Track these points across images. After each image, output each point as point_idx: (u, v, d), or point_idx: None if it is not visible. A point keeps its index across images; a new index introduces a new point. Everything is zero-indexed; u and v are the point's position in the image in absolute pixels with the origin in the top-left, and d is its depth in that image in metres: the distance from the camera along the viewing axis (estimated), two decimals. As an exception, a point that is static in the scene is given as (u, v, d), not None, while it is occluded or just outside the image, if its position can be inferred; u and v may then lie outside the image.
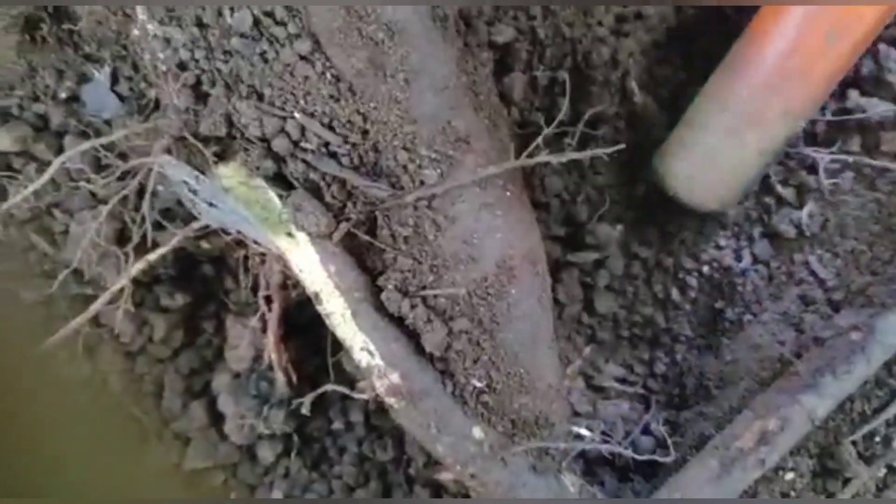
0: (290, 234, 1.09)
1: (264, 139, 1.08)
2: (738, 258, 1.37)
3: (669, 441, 1.21)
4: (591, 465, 1.26)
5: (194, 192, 1.13)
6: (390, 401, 1.09)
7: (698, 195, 1.26)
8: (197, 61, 1.08)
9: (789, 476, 1.21)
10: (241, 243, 1.24)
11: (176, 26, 1.07)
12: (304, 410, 1.21)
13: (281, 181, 1.10)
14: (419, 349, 1.10)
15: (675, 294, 1.39)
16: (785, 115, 1.19)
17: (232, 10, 1.03)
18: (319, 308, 1.11)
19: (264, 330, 1.30)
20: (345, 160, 1.08)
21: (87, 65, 1.30)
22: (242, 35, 1.04)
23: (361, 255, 1.15)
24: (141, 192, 1.21)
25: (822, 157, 1.31)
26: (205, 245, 1.30)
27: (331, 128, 1.06)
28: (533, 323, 1.13)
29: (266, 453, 1.36)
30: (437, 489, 1.33)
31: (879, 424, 1.20)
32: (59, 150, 1.29)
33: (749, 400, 1.23)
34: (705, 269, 1.38)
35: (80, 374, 1.30)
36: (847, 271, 1.31)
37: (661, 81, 1.37)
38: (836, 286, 1.30)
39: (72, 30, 1.27)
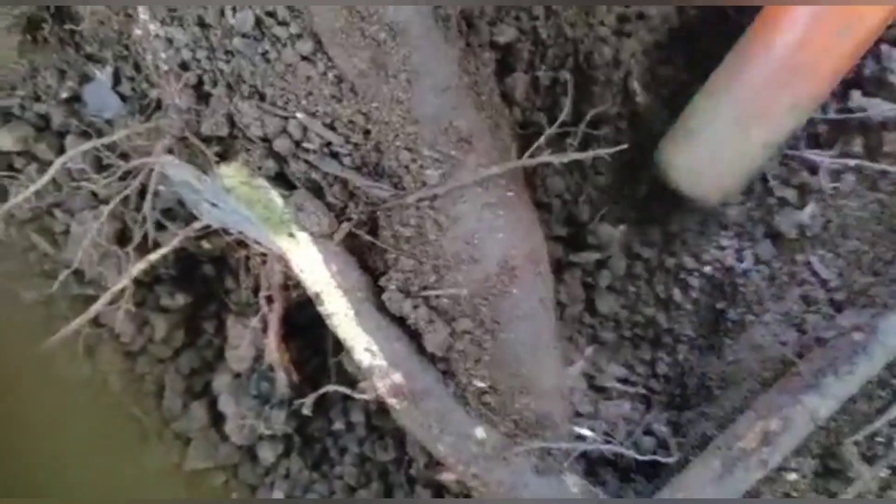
0: (291, 235, 1.09)
1: (266, 139, 1.08)
2: (740, 258, 1.37)
3: (671, 441, 1.21)
4: (592, 466, 1.26)
5: (196, 192, 1.13)
6: (392, 401, 1.09)
7: (701, 188, 1.25)
8: (199, 61, 1.08)
9: (792, 476, 1.21)
10: (242, 243, 1.24)
11: (178, 26, 1.07)
12: (306, 411, 1.21)
13: (283, 181, 1.10)
14: (421, 349, 1.11)
15: (676, 294, 1.39)
16: (792, 108, 1.17)
17: (234, 10, 1.03)
18: (321, 308, 1.11)
19: (265, 330, 1.30)
20: (347, 160, 1.08)
21: (89, 65, 1.30)
22: (244, 35, 1.04)
23: (363, 255, 1.15)
24: (142, 192, 1.21)
25: (824, 160, 1.31)
26: (206, 245, 1.30)
27: (333, 128, 1.06)
28: (535, 323, 1.13)
29: (267, 454, 1.36)
30: (439, 490, 1.33)
31: (882, 425, 1.20)
32: (61, 150, 1.29)
33: (751, 400, 1.23)
34: (707, 269, 1.38)
35: (81, 374, 1.30)
36: (849, 272, 1.31)
37: (664, 82, 1.37)
38: (839, 286, 1.30)
39: (73, 30, 1.27)
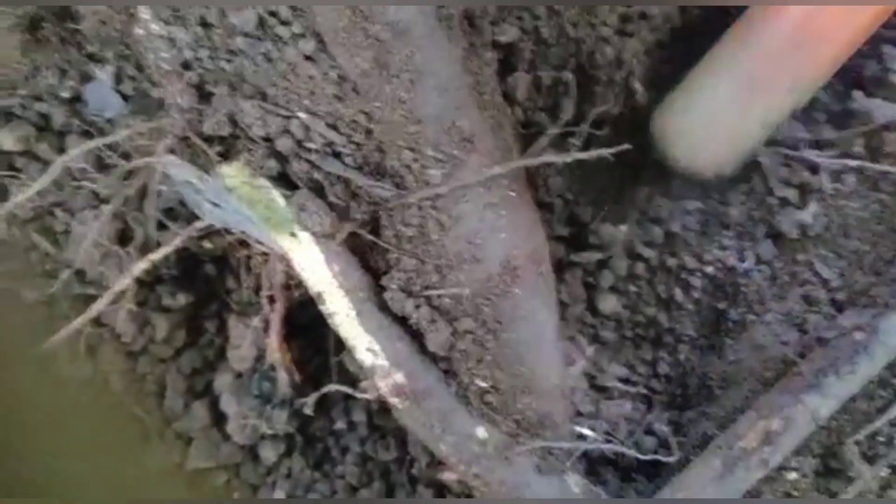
0: (293, 234, 1.09)
1: (268, 139, 1.08)
2: (742, 258, 1.37)
3: (672, 441, 1.21)
4: (594, 465, 1.26)
5: (197, 192, 1.13)
6: (394, 400, 1.09)
7: (695, 161, 1.24)
8: (201, 61, 1.08)
9: (792, 476, 1.21)
10: (243, 243, 1.24)
11: (180, 26, 1.07)
12: (307, 410, 1.21)
13: (284, 181, 1.10)
14: (423, 349, 1.11)
15: (678, 294, 1.39)
16: (791, 90, 1.16)
17: (236, 9, 1.03)
18: (322, 308, 1.11)
19: (267, 330, 1.30)
20: (349, 160, 1.08)
21: (90, 64, 1.30)
22: (246, 35, 1.04)
23: (365, 254, 1.15)
24: (144, 191, 1.21)
25: (825, 160, 1.31)
26: (207, 245, 1.30)
27: (335, 128, 1.06)
28: (537, 323, 1.13)
29: (268, 453, 1.36)
30: (441, 489, 1.33)
31: (883, 424, 1.21)
32: (62, 150, 1.28)
33: (752, 400, 1.23)
34: (709, 269, 1.38)
35: (82, 374, 1.30)
36: (850, 272, 1.31)
37: (666, 81, 1.37)
38: (840, 286, 1.31)
39: (75, 29, 1.27)
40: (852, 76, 1.34)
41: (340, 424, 1.40)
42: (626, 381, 1.37)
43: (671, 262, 1.40)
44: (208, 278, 1.39)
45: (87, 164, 1.24)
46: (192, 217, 1.19)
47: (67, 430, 1.28)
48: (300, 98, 1.05)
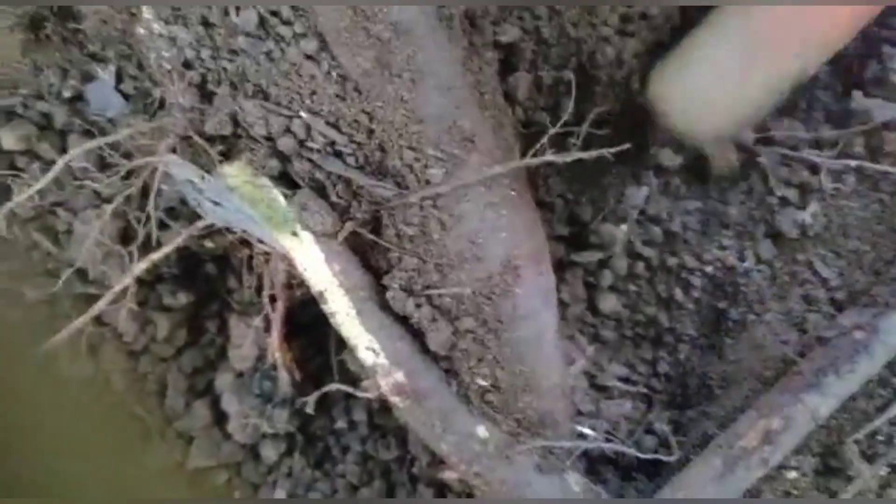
0: (294, 234, 1.09)
1: (270, 138, 1.08)
2: (742, 258, 1.37)
3: (672, 440, 1.21)
4: (594, 464, 1.26)
5: (199, 191, 1.13)
6: (395, 399, 1.10)
7: (692, 124, 1.18)
8: (202, 60, 1.08)
9: (792, 475, 1.22)
10: (245, 242, 1.24)
11: (181, 25, 1.07)
12: (308, 409, 1.22)
13: (286, 180, 1.10)
14: (424, 348, 1.11)
15: (678, 294, 1.39)
16: (797, 56, 1.11)
17: (238, 9, 1.03)
18: (324, 307, 1.11)
19: (268, 329, 1.30)
20: (350, 159, 1.08)
21: (92, 64, 1.30)
22: (248, 34, 1.04)
23: (366, 254, 1.15)
24: (145, 191, 1.21)
25: (825, 160, 1.31)
26: (209, 244, 1.30)
27: (336, 127, 1.06)
28: (537, 322, 1.13)
29: (269, 452, 1.36)
30: (441, 488, 1.33)
31: (882, 423, 1.21)
32: (63, 149, 1.29)
33: (752, 400, 1.24)
34: (709, 268, 1.38)
35: (84, 373, 1.30)
36: (850, 271, 1.31)
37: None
38: (840, 286, 1.31)
39: (76, 29, 1.27)
40: (852, 76, 1.34)
41: (341, 423, 1.41)
42: (626, 380, 1.38)
43: (671, 261, 1.41)
44: (209, 277, 1.39)
45: (89, 164, 1.24)
46: (194, 216, 1.20)
47: (68, 429, 1.28)
48: (302, 97, 1.05)
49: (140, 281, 1.23)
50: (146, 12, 1.08)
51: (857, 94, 1.33)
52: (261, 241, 1.18)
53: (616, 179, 1.40)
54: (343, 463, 1.39)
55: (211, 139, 1.10)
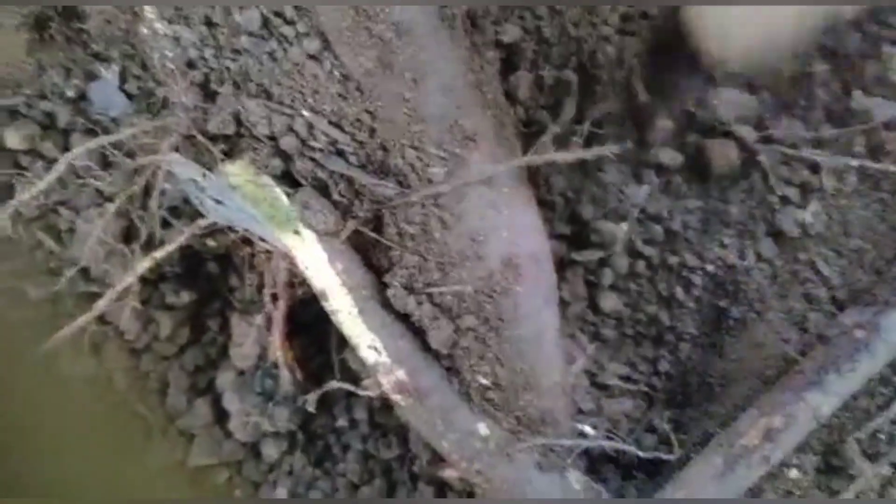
0: (297, 232, 1.10)
1: (272, 137, 1.09)
2: (743, 257, 1.37)
3: (673, 438, 1.21)
4: (595, 463, 1.26)
5: (201, 190, 1.14)
6: (396, 398, 1.10)
7: (724, 49, 1.16)
8: (205, 60, 1.09)
9: (794, 473, 1.22)
10: (247, 241, 1.24)
11: (185, 25, 1.08)
12: (309, 408, 1.22)
13: (288, 179, 1.11)
14: (425, 346, 1.11)
15: (679, 292, 1.39)
16: None
17: (241, 8, 1.04)
18: (326, 305, 1.12)
19: (269, 327, 1.30)
20: (352, 158, 1.09)
21: (96, 63, 1.31)
22: (251, 34, 1.05)
23: (368, 252, 1.15)
24: (148, 190, 1.22)
25: (826, 159, 1.31)
26: (211, 243, 1.30)
27: (339, 126, 1.07)
28: (538, 321, 1.14)
29: (270, 450, 1.36)
30: (442, 487, 1.33)
31: (884, 422, 1.21)
32: (67, 148, 1.29)
33: (753, 398, 1.24)
34: (710, 267, 1.38)
35: (86, 371, 1.30)
36: (851, 270, 1.31)
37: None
38: (841, 285, 1.31)
39: (80, 28, 1.28)
40: (852, 75, 1.34)
41: (342, 422, 1.41)
42: (627, 378, 1.38)
43: (672, 260, 1.41)
44: (211, 276, 1.40)
45: (92, 163, 1.24)
46: (196, 215, 1.20)
47: (69, 428, 1.28)
48: (304, 97, 1.06)
49: (142, 279, 1.24)
50: (149, 12, 1.09)
51: (857, 94, 1.34)
52: (263, 240, 1.18)
53: (617, 178, 1.40)
54: (344, 461, 1.39)
55: (214, 138, 1.11)
